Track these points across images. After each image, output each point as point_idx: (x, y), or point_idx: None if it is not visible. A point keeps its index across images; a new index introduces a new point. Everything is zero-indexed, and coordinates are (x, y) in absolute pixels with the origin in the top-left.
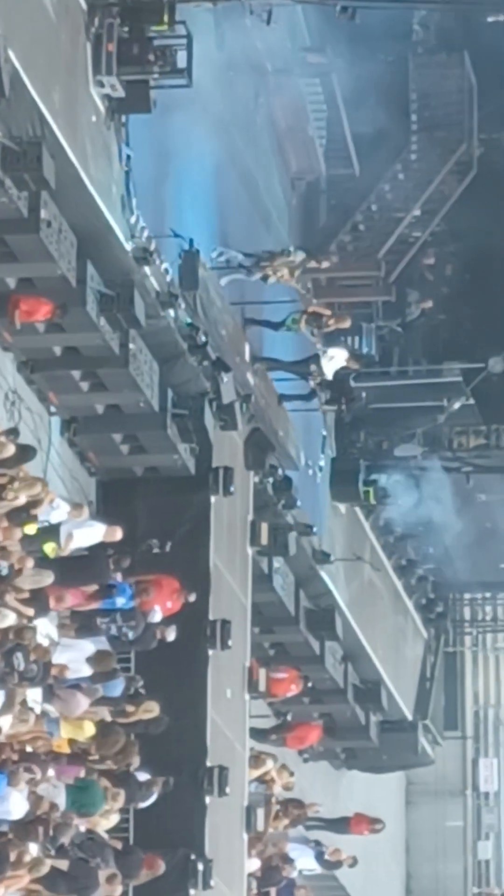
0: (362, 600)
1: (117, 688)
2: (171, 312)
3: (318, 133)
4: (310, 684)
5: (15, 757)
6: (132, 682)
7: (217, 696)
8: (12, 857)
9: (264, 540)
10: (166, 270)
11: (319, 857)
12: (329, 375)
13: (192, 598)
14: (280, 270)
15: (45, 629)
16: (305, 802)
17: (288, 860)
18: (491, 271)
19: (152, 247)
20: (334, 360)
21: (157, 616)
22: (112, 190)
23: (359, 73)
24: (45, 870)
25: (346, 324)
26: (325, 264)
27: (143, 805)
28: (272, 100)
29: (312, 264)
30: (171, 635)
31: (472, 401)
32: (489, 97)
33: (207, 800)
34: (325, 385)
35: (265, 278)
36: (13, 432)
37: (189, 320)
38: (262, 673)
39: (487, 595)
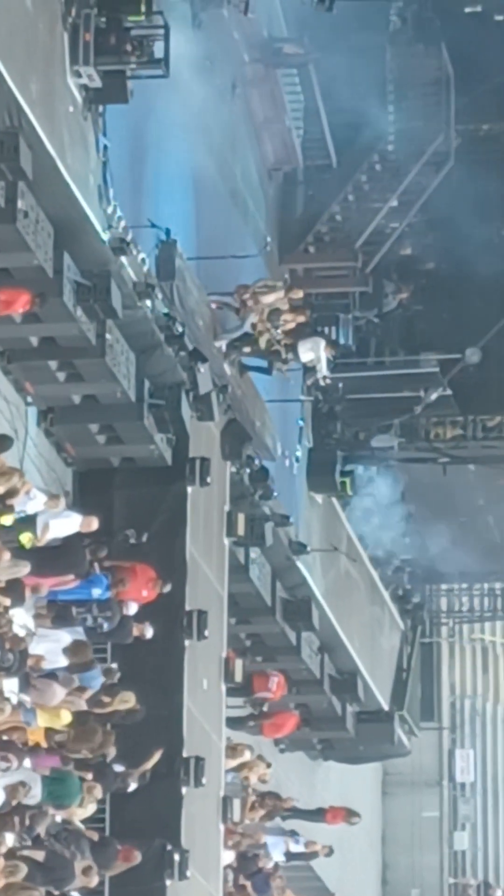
0: (339, 591)
1: (96, 680)
2: (148, 303)
3: (296, 124)
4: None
5: None
6: (109, 673)
7: (193, 687)
8: None
9: (241, 530)
10: (143, 261)
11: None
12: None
13: (167, 588)
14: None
15: (22, 619)
16: (283, 796)
17: (264, 851)
18: (468, 262)
19: (129, 237)
20: (313, 350)
21: (132, 609)
22: (89, 180)
23: (336, 64)
24: (21, 875)
25: (305, 317)
26: (298, 294)
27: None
28: (249, 90)
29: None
30: (148, 633)
31: (448, 391)
32: (466, 88)
33: (184, 790)
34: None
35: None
36: None
37: (166, 310)
38: (238, 664)
39: (464, 586)
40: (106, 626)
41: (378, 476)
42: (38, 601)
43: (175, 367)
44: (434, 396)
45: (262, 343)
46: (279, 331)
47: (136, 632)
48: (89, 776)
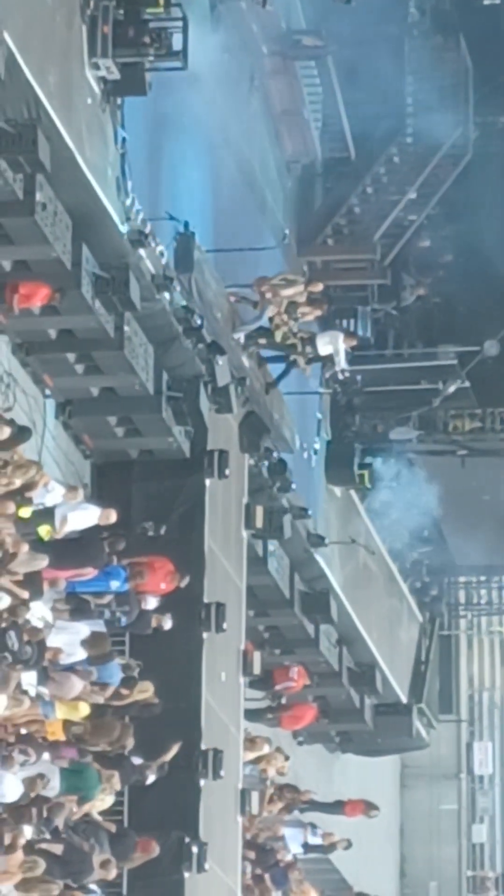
0: (357, 583)
1: (115, 675)
2: (167, 295)
3: (314, 116)
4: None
5: (10, 739)
6: (128, 668)
7: (212, 679)
8: (7, 839)
9: (259, 523)
10: (161, 253)
11: (307, 847)
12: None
13: (185, 582)
14: (277, 298)
15: (40, 612)
16: (301, 789)
17: (282, 843)
18: (486, 254)
19: (147, 229)
20: (331, 343)
21: (151, 603)
22: (107, 172)
23: (354, 56)
24: (39, 871)
25: (322, 310)
26: (318, 287)
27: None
28: (267, 83)
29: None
30: (167, 624)
31: (467, 384)
32: (485, 80)
33: (202, 783)
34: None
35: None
36: (7, 413)
37: (184, 303)
38: (256, 656)
39: (482, 578)
40: (124, 621)
41: (398, 468)
42: (57, 594)
43: (193, 360)
44: (452, 389)
45: (279, 336)
46: (297, 323)
47: (154, 622)
48: (107, 769)
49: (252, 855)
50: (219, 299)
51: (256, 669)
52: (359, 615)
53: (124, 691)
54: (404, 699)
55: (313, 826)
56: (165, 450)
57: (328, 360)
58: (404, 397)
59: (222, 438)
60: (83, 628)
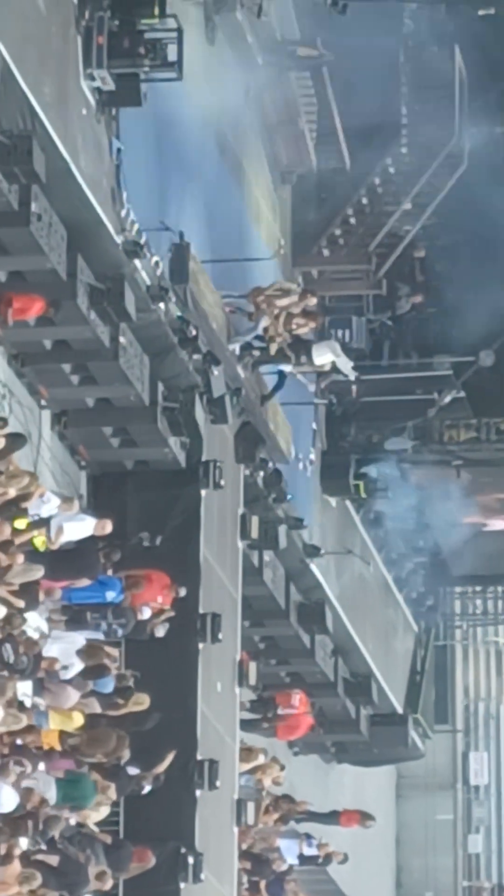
0: (353, 594)
1: (108, 685)
2: (162, 306)
3: (309, 126)
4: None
5: (5, 750)
6: (123, 678)
7: (207, 690)
8: (2, 850)
9: (255, 533)
10: (157, 264)
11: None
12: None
13: (183, 592)
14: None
15: (35, 622)
16: (297, 799)
17: (278, 854)
18: (481, 265)
19: (143, 240)
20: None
21: (146, 614)
22: (103, 183)
23: (349, 66)
24: (36, 883)
25: (317, 323)
26: (312, 300)
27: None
28: (263, 93)
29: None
30: (161, 631)
31: (462, 394)
32: (480, 91)
33: (198, 793)
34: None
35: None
36: (2, 421)
37: (179, 313)
38: (252, 666)
39: (478, 589)
40: (120, 633)
41: (393, 478)
42: (53, 604)
43: (189, 370)
44: (448, 399)
45: (273, 350)
46: (290, 335)
47: (148, 629)
48: (103, 780)
49: (248, 865)
50: (214, 310)
51: (252, 680)
52: (354, 625)
53: (119, 700)
54: (400, 709)
55: (309, 837)
56: (161, 460)
57: (324, 371)
58: (400, 408)
59: (218, 449)
60: (79, 638)
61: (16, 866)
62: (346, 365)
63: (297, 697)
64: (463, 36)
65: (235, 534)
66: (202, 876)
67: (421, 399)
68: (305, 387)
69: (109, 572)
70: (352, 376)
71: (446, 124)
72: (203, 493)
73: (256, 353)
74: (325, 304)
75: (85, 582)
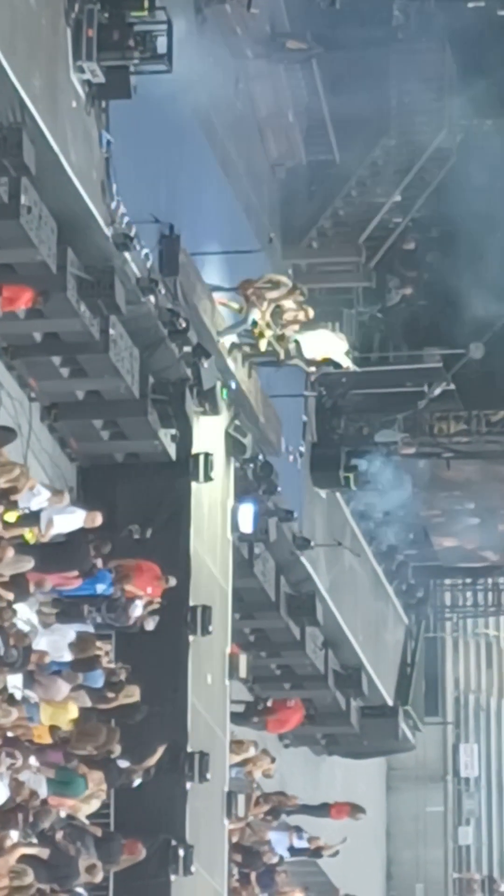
0: (343, 586)
1: (98, 679)
2: (152, 298)
3: (299, 119)
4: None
5: None
6: (114, 672)
7: (198, 682)
8: None
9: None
10: (147, 256)
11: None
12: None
13: (173, 582)
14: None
15: (25, 615)
16: (287, 793)
17: (268, 846)
18: (471, 257)
19: (132, 232)
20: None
21: (138, 610)
22: (92, 175)
23: (339, 59)
24: (27, 880)
25: (309, 315)
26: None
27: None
28: (252, 86)
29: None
30: (150, 625)
31: (452, 386)
32: (469, 83)
33: (188, 785)
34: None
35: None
36: None
37: (170, 306)
38: (242, 659)
39: (468, 581)
40: (113, 624)
41: (384, 470)
42: (43, 596)
43: (179, 363)
44: (438, 391)
45: (262, 346)
46: (279, 329)
47: (138, 622)
48: (93, 772)
49: (238, 858)
50: (204, 302)
51: (243, 672)
52: (345, 618)
53: (110, 693)
54: (390, 702)
55: (299, 829)
56: (151, 453)
57: (322, 363)
58: (390, 400)
59: (208, 441)
60: (69, 631)
61: (8, 859)
62: (341, 355)
63: (293, 703)
64: (453, 28)
65: (226, 526)
66: (192, 868)
67: (411, 391)
68: (301, 377)
69: (99, 564)
70: (350, 365)
71: (436, 117)
72: (193, 485)
73: (247, 349)
74: (316, 298)
75: (75, 576)
